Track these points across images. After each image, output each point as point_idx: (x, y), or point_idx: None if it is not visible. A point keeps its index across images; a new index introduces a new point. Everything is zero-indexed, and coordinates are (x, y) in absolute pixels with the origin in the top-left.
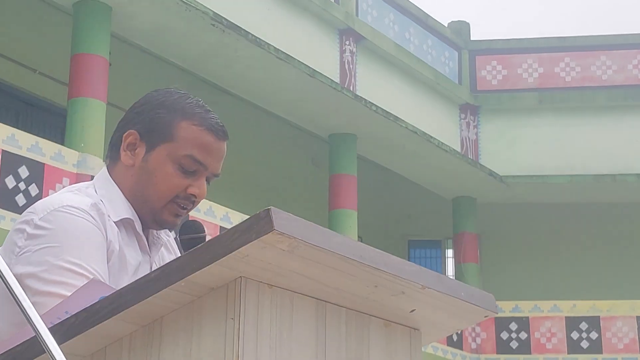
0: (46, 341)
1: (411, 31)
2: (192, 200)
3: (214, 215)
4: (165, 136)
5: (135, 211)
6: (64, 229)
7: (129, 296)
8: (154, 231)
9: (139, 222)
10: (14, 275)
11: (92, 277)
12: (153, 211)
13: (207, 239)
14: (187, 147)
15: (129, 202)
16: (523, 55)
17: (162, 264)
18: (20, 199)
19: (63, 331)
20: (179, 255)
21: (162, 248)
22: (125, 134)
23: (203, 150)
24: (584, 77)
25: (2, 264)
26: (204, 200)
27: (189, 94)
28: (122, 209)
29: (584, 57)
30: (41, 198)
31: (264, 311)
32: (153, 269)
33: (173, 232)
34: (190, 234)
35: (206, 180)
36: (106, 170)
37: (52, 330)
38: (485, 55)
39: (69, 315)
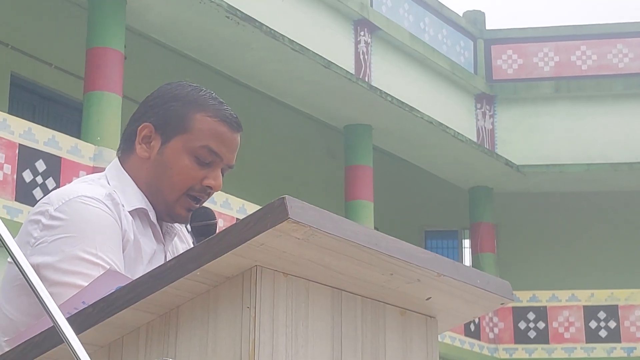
0: (64, 331)
1: (426, 21)
2: (208, 192)
3: (230, 207)
4: (181, 128)
5: (149, 203)
6: (79, 219)
7: (145, 286)
8: None
9: (153, 211)
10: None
11: (108, 266)
12: (166, 204)
13: (217, 227)
14: (202, 138)
15: (143, 193)
16: (539, 44)
17: (175, 253)
18: (38, 193)
19: (80, 321)
20: (192, 244)
21: (176, 237)
22: (140, 127)
23: (218, 141)
24: (600, 66)
25: (20, 255)
26: (220, 192)
27: (201, 86)
28: (135, 199)
29: (600, 45)
30: None
31: (280, 300)
32: (167, 258)
33: None
34: (201, 221)
35: (221, 172)
36: (118, 161)
37: (70, 320)
38: (500, 44)
39: (86, 306)
